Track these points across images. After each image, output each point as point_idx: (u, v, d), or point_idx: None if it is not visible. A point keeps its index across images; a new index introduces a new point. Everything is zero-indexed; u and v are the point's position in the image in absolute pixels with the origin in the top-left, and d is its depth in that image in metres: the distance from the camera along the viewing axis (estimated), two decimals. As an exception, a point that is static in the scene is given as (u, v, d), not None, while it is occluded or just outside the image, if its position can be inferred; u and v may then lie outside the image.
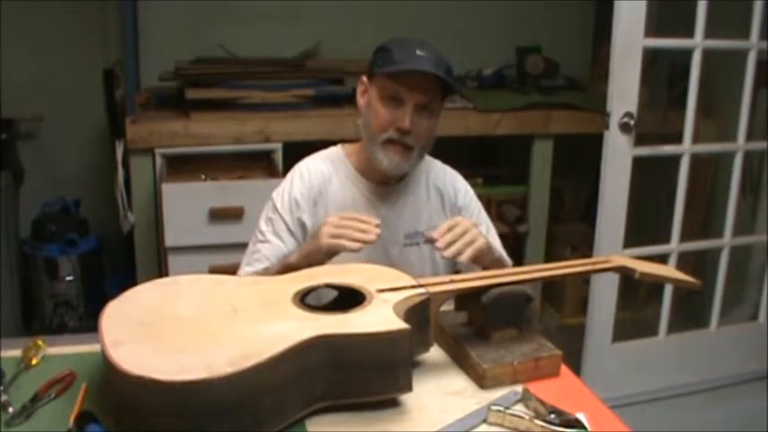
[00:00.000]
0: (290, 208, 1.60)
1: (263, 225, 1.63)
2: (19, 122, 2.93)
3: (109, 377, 1.06)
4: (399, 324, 1.11)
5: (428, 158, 1.69)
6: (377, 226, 1.39)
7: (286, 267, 1.47)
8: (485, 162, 3.33)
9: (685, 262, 2.66)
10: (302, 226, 1.60)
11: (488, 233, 1.65)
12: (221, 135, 2.66)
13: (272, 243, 1.59)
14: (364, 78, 1.62)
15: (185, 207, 2.46)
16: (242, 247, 1.66)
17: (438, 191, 1.69)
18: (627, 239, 2.58)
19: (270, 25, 3.13)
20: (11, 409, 1.09)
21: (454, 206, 1.69)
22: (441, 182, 1.70)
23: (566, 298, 3.31)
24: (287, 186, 1.63)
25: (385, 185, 1.63)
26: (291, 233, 1.60)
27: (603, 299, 2.64)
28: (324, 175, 1.63)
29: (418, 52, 1.51)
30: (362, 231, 1.38)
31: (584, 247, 2.80)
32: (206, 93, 2.74)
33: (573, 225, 3.32)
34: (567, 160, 3.07)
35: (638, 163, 2.55)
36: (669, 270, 1.66)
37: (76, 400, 1.12)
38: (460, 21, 3.32)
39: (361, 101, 1.63)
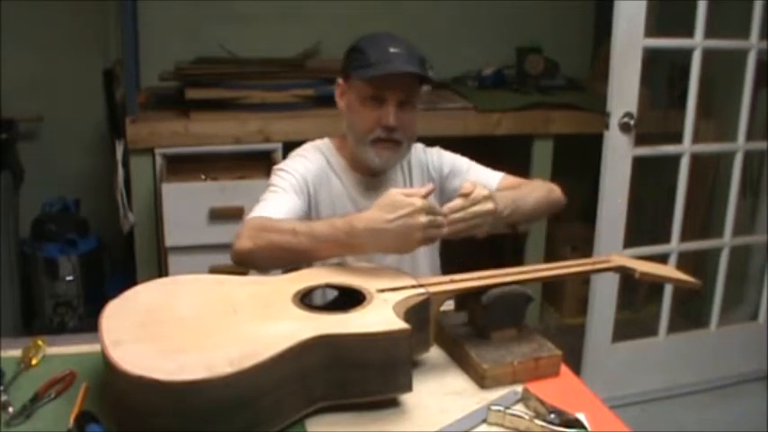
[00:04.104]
0: (303, 176, 1.59)
1: (275, 182, 1.59)
2: (19, 122, 2.93)
3: (109, 377, 1.06)
4: (399, 324, 1.11)
5: None
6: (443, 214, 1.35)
7: (311, 240, 1.38)
8: (484, 162, 3.32)
9: (685, 262, 2.66)
10: (308, 194, 1.59)
11: (470, 171, 1.71)
12: (221, 135, 2.66)
13: (288, 195, 1.56)
14: (340, 81, 1.64)
15: (185, 207, 2.46)
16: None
17: (409, 166, 1.71)
18: (627, 239, 2.58)
19: (270, 25, 3.13)
20: (11, 409, 1.09)
21: (431, 177, 1.71)
22: (413, 158, 1.72)
23: (566, 298, 3.31)
24: (296, 162, 1.63)
25: (373, 177, 1.66)
26: (303, 193, 1.58)
27: (603, 299, 2.64)
28: (323, 162, 1.66)
29: (391, 50, 1.53)
30: (440, 226, 1.32)
31: (585, 247, 2.80)
32: (206, 93, 2.74)
33: (573, 225, 3.32)
34: (567, 160, 3.07)
35: (638, 163, 2.55)
36: (669, 270, 1.66)
37: (76, 400, 1.12)
38: (460, 21, 3.32)
39: (340, 103, 1.65)
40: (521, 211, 1.56)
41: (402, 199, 1.30)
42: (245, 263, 1.44)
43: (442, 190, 1.70)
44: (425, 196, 1.31)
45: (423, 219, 1.28)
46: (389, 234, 1.29)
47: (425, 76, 1.56)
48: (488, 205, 1.38)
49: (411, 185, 1.69)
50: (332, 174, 1.65)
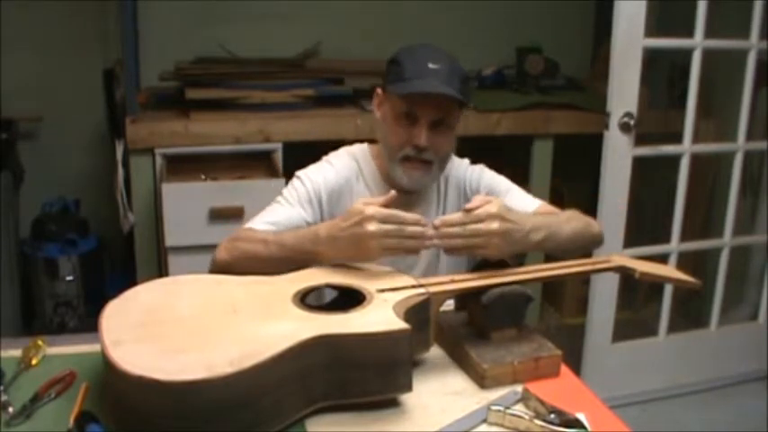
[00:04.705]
0: (317, 187, 1.57)
1: (284, 192, 1.58)
2: (19, 122, 2.93)
3: (109, 377, 1.06)
4: (399, 324, 1.11)
5: None
6: (424, 225, 1.29)
7: (281, 249, 1.39)
8: (484, 162, 3.32)
9: (685, 262, 2.66)
10: (320, 206, 1.57)
11: (507, 194, 1.62)
12: (221, 135, 2.66)
13: (291, 206, 1.54)
14: (379, 91, 1.59)
15: (185, 207, 2.46)
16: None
17: (446, 184, 1.66)
18: (627, 239, 2.58)
19: (270, 25, 3.13)
20: (11, 409, 1.09)
21: (467, 196, 1.65)
22: (451, 176, 1.67)
23: (566, 298, 3.31)
24: (317, 170, 1.60)
25: (406, 194, 1.57)
26: (311, 205, 1.56)
27: (603, 299, 2.64)
28: (352, 171, 1.62)
29: (430, 65, 1.47)
30: (414, 237, 1.27)
31: (585, 248, 2.80)
32: (206, 93, 2.74)
33: (573, 225, 3.33)
34: (567, 160, 3.07)
35: (638, 163, 2.55)
36: (669, 270, 1.66)
37: (76, 400, 1.12)
38: (460, 21, 3.32)
39: (377, 113, 1.60)
40: (556, 238, 1.43)
41: (355, 207, 1.29)
42: (223, 273, 1.41)
43: None
44: (385, 204, 1.29)
45: (371, 227, 1.25)
46: (343, 242, 1.30)
47: (461, 99, 1.47)
48: (493, 225, 1.29)
49: (445, 205, 1.65)
50: (360, 183, 1.61)
